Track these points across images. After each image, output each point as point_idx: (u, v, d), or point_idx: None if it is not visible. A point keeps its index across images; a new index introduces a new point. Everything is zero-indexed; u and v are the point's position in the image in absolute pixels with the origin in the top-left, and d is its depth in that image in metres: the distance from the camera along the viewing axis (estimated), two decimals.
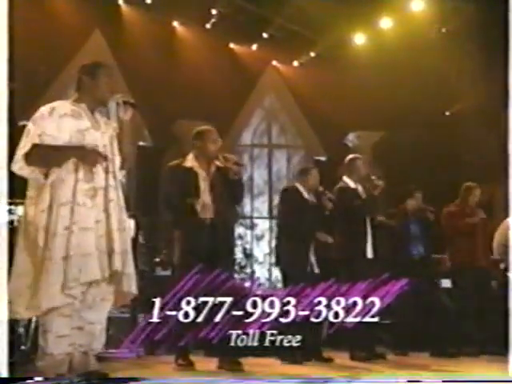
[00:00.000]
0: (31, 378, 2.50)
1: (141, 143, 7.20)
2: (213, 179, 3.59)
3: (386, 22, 7.23)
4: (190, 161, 3.65)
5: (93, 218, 2.51)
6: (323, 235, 4.34)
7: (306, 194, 4.31)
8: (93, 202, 2.53)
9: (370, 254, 4.39)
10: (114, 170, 2.68)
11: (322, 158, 8.00)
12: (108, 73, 2.76)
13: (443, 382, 2.94)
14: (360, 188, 4.48)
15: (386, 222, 4.74)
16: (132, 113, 2.72)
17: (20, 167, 2.54)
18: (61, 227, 2.44)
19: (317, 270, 4.30)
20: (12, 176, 2.56)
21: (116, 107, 2.70)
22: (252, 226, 7.93)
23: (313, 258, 4.31)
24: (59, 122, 2.58)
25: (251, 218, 7.98)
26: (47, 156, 2.53)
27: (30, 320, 3.47)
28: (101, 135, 2.67)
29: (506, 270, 4.77)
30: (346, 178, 4.52)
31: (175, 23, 7.59)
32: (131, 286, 2.64)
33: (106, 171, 2.62)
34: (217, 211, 3.53)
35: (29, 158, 2.52)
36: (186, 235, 3.56)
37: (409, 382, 2.86)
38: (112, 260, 2.53)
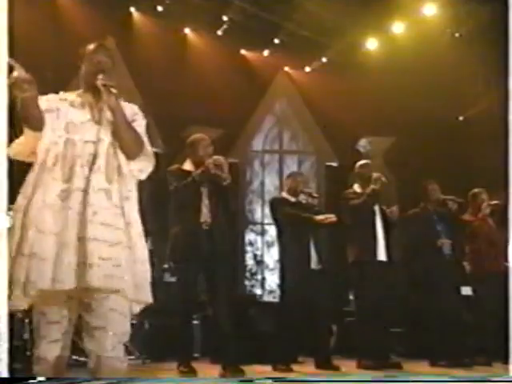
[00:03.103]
0: (32, 378, 2.47)
1: (153, 149, 7.22)
2: (209, 184, 3.65)
3: (398, 27, 7.18)
4: (187, 165, 3.75)
5: (59, 222, 2.22)
6: (322, 216, 4.24)
7: (291, 199, 4.38)
8: (64, 204, 2.23)
9: (382, 256, 4.36)
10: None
11: (334, 164, 7.96)
12: (100, 52, 2.42)
13: (443, 382, 2.89)
14: (364, 190, 4.48)
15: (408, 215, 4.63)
16: (115, 97, 2.32)
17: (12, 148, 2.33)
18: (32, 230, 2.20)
19: (319, 266, 4.26)
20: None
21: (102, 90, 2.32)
22: (263, 232, 7.90)
23: (314, 254, 4.28)
24: (59, 106, 2.35)
25: (262, 224, 7.95)
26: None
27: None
28: (97, 130, 2.36)
29: None
30: (355, 185, 4.57)
31: (187, 30, 7.63)
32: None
33: (90, 169, 2.29)
34: (214, 215, 3.60)
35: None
36: (185, 239, 3.62)
37: (410, 382, 2.80)
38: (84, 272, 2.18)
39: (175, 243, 3.67)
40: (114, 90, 2.34)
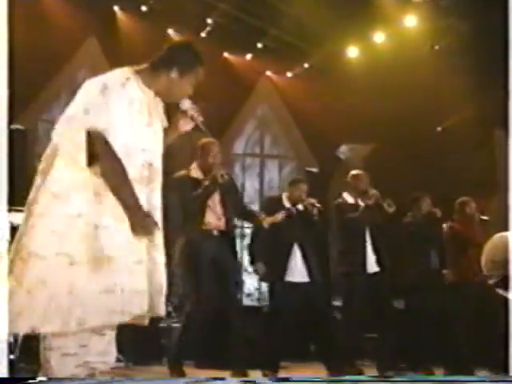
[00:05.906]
0: (32, 378, 2.40)
1: None
2: (220, 190, 3.69)
3: (379, 37, 7.31)
4: (194, 171, 3.75)
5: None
6: (270, 218, 3.99)
7: (287, 203, 4.33)
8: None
9: (372, 267, 4.39)
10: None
11: (314, 170, 8.02)
12: (197, 72, 2.26)
13: (443, 381, 2.94)
14: (358, 202, 4.52)
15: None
16: (190, 129, 2.29)
17: None
18: None
19: (307, 279, 4.24)
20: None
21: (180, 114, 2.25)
22: (242, 235, 7.90)
23: (300, 264, 4.24)
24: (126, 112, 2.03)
25: (242, 227, 7.96)
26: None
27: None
28: (154, 135, 2.16)
29: (496, 285, 4.77)
30: (345, 194, 4.57)
31: (170, 31, 7.58)
32: None
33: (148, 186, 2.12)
34: (224, 222, 3.64)
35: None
36: (191, 245, 3.63)
37: (409, 381, 2.83)
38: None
39: (182, 250, 3.68)
40: (202, 127, 2.25)
